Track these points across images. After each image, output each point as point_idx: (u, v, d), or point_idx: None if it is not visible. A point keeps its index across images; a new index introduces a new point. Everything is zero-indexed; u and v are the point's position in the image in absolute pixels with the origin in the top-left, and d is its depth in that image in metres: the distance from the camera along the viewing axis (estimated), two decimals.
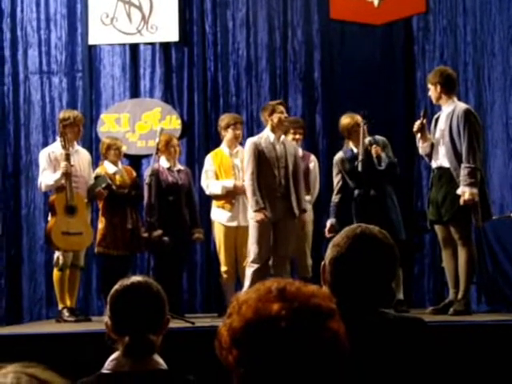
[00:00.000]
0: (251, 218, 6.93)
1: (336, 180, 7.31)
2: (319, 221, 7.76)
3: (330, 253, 2.40)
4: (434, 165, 6.76)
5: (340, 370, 1.47)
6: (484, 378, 5.28)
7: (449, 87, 6.67)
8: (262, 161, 6.95)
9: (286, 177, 6.99)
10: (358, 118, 7.16)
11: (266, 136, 7.07)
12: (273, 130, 7.06)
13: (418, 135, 6.78)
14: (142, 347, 2.62)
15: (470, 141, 6.46)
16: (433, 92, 6.72)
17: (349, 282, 2.37)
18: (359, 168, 7.11)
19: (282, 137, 7.14)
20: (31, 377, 1.22)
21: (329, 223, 7.24)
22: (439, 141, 6.67)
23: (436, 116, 6.84)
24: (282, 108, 7.09)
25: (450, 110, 6.61)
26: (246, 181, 6.99)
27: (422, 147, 6.83)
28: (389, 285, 2.42)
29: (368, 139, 7.12)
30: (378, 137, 7.23)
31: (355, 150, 7.16)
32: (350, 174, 7.18)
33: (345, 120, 7.21)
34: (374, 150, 7.07)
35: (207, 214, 7.90)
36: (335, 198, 7.28)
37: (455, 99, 6.74)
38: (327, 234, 7.16)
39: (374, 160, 7.04)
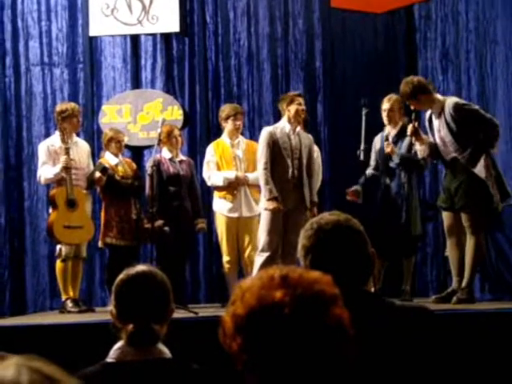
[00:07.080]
0: (263, 206, 6.90)
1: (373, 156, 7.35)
2: (322, 210, 7.74)
3: (300, 253, 2.42)
4: (447, 158, 6.65)
5: (344, 356, 1.47)
6: (487, 367, 5.28)
7: (426, 91, 6.58)
8: (276, 151, 6.92)
9: (299, 168, 6.96)
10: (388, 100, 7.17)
11: (282, 126, 7.04)
12: (289, 120, 7.02)
13: (413, 139, 6.74)
14: (146, 336, 2.62)
15: (480, 118, 6.45)
16: (417, 105, 6.64)
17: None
18: (361, 157, 7.08)
19: (298, 128, 7.09)
20: (34, 370, 1.16)
21: (354, 187, 7.13)
22: (441, 145, 6.59)
23: (428, 115, 6.76)
24: (300, 99, 7.06)
25: (440, 110, 6.55)
26: (260, 170, 6.95)
27: (419, 150, 6.75)
28: (364, 260, 2.41)
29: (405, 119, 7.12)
30: None
31: (385, 132, 7.18)
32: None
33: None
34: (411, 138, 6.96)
35: (209, 205, 7.89)
36: (368, 170, 7.29)
37: (438, 96, 6.68)
38: (348, 196, 7.10)
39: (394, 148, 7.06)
